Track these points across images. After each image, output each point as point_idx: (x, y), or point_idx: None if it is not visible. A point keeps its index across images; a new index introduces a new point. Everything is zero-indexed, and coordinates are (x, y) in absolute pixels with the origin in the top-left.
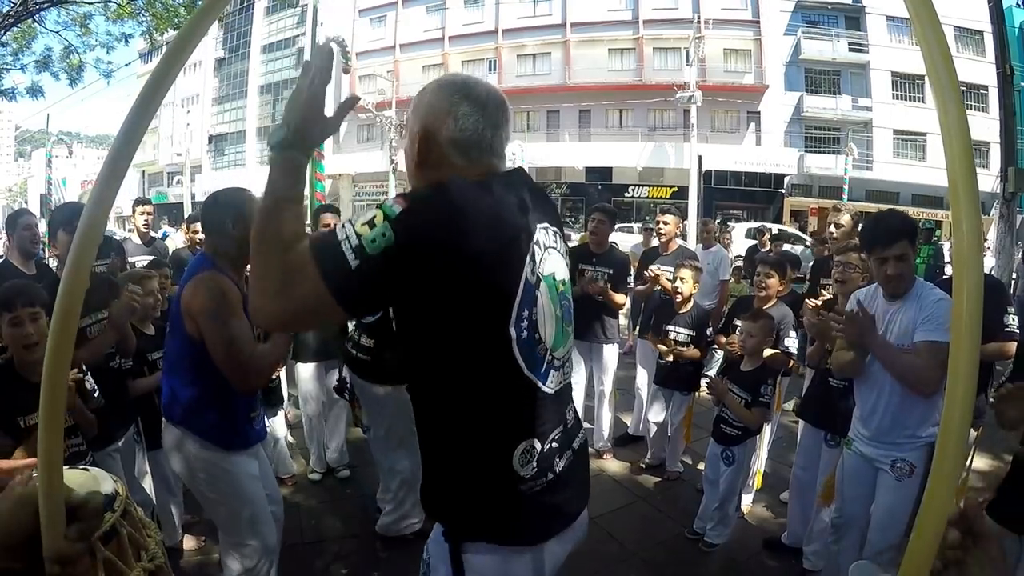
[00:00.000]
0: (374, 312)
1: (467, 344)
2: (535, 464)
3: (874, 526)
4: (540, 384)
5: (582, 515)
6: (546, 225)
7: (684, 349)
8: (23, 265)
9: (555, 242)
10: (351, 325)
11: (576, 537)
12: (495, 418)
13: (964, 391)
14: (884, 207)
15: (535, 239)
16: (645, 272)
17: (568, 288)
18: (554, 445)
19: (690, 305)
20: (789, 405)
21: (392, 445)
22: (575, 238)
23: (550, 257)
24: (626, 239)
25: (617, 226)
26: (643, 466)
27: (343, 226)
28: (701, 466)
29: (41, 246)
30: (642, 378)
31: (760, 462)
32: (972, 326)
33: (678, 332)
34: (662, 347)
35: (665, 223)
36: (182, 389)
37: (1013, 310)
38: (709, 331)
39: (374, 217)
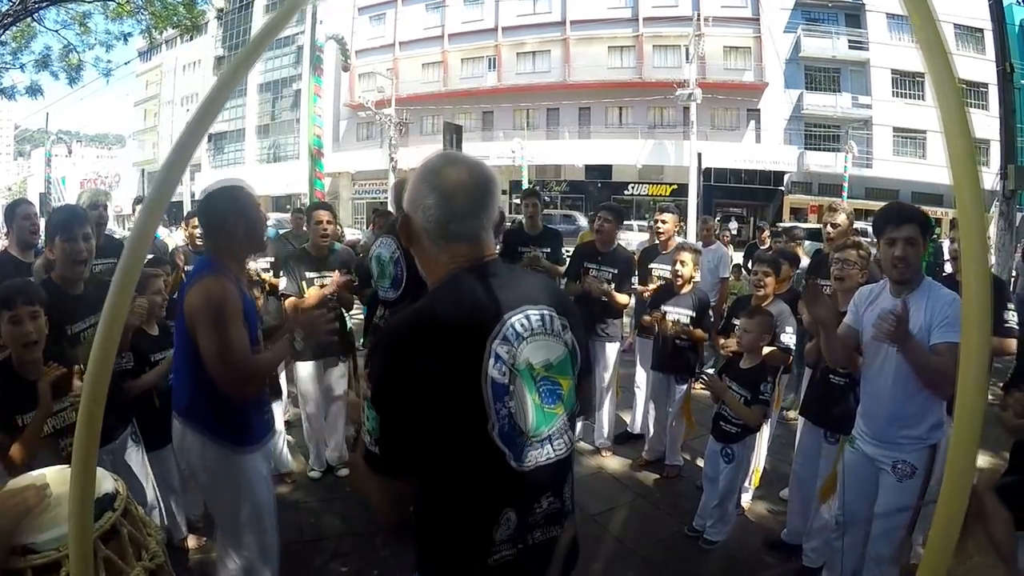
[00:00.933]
0: (416, 455)
1: (456, 444)
2: (511, 531)
3: (876, 525)
4: (517, 465)
5: None
6: (525, 310)
7: (689, 328)
8: (22, 255)
9: (541, 324)
10: (378, 313)
11: None
12: (473, 499)
13: (974, 397)
14: (883, 205)
15: (501, 335)
16: (648, 276)
17: (555, 369)
18: (536, 518)
19: (690, 287)
20: (787, 402)
21: None
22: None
23: (527, 347)
24: (625, 236)
25: None
26: (642, 460)
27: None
28: (701, 463)
29: (40, 237)
30: (641, 376)
31: (759, 460)
32: (981, 328)
33: (678, 312)
34: (666, 324)
35: (664, 222)
36: (191, 387)
37: (1012, 306)
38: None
39: (365, 414)
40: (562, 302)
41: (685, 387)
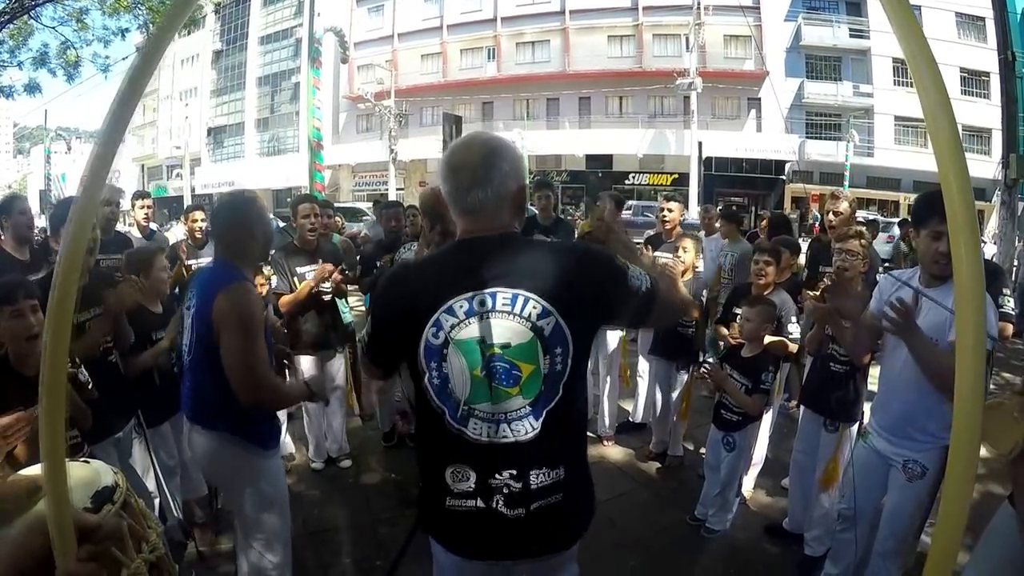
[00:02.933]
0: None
1: (416, 386)
2: (472, 484)
3: (883, 522)
4: (462, 428)
5: (525, 566)
6: (494, 290)
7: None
8: (17, 251)
9: (509, 306)
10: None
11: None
12: (430, 441)
13: (972, 389)
14: (886, 194)
15: (448, 308)
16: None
17: (513, 351)
18: (500, 485)
19: (690, 275)
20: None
21: None
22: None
23: (474, 324)
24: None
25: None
26: (649, 452)
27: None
28: (702, 452)
29: (36, 231)
30: (644, 366)
31: (760, 448)
32: (976, 323)
33: None
34: None
35: (670, 210)
36: (216, 394)
37: (1009, 292)
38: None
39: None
40: (555, 287)
41: (685, 376)
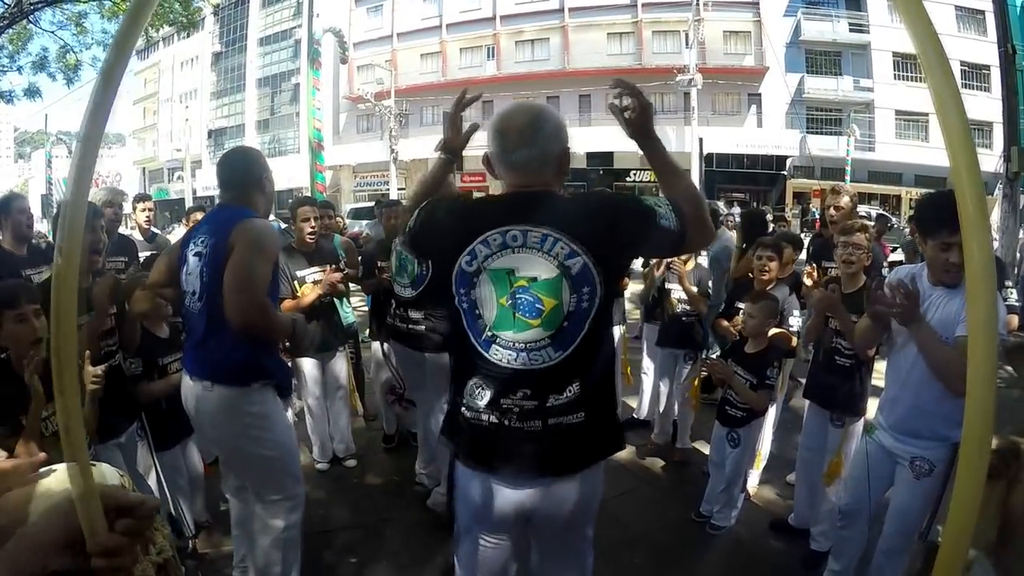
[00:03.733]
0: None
1: (449, 307)
2: (486, 402)
3: (889, 519)
4: (483, 351)
5: (535, 490)
6: (526, 228)
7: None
8: (15, 248)
9: (539, 243)
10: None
11: (530, 503)
12: (457, 359)
13: (983, 386)
14: (887, 188)
15: (484, 240)
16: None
17: (539, 285)
18: (511, 406)
19: (692, 264)
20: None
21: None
22: None
23: (506, 256)
24: None
25: None
26: (652, 444)
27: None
28: (706, 450)
29: (36, 235)
30: (648, 363)
31: (765, 444)
32: (988, 319)
33: (680, 289)
34: (671, 302)
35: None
36: (237, 345)
37: (1012, 284)
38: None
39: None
40: (586, 232)
41: (692, 365)
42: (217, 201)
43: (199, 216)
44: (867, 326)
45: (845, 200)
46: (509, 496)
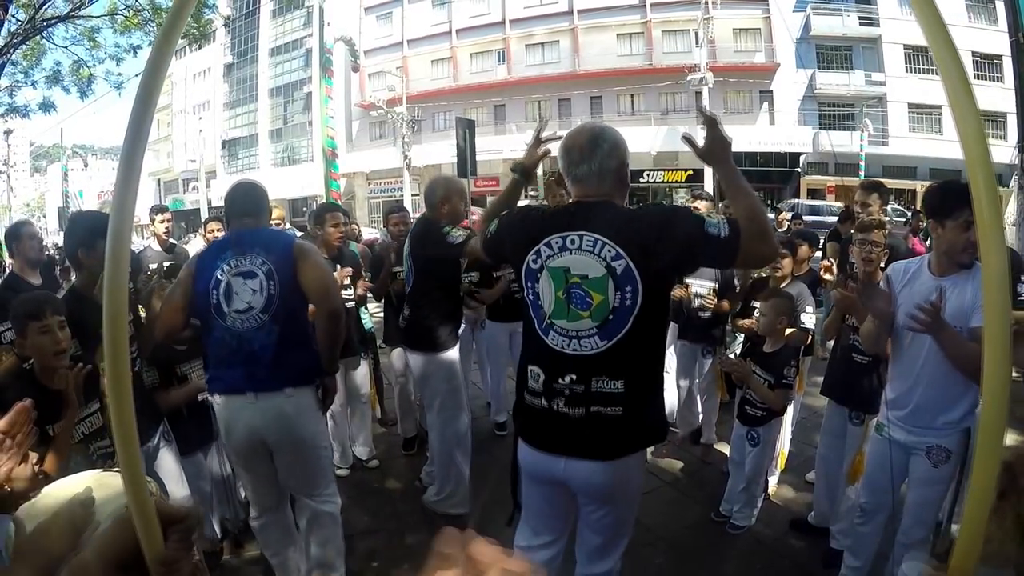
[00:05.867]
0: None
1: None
2: (540, 385)
3: (907, 511)
4: (544, 337)
5: (570, 464)
6: (581, 233)
7: (711, 298)
8: (28, 275)
9: (592, 246)
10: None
11: (562, 475)
12: (524, 345)
13: (999, 376)
14: (902, 182)
15: (547, 242)
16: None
17: (589, 282)
18: (561, 388)
19: None
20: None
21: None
22: None
23: (564, 256)
24: None
25: None
26: (678, 438)
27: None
28: (726, 449)
29: (46, 254)
30: (670, 360)
31: (784, 442)
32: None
33: (700, 285)
34: (677, 292)
35: (697, 209)
36: (307, 347)
37: None
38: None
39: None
40: (631, 238)
41: (712, 359)
42: (233, 226)
43: (215, 227)
44: (872, 328)
45: (875, 196)
46: (550, 462)
